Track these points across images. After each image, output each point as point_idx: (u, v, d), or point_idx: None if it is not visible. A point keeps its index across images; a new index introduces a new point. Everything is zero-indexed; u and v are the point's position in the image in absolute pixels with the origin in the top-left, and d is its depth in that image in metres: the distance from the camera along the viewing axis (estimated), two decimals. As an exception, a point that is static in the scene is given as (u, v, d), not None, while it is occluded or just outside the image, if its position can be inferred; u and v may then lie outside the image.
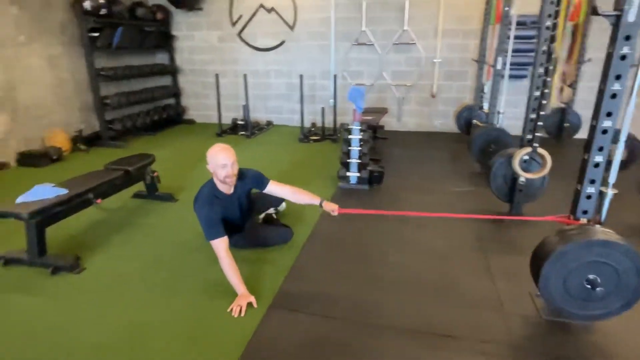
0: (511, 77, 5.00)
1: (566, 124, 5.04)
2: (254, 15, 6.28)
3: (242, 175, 2.44)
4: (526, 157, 2.86)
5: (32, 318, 2.06)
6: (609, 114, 1.71)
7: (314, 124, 6.33)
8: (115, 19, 5.41)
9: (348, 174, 3.80)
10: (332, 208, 2.41)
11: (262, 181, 2.52)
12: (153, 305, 2.15)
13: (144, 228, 3.06)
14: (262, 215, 3.04)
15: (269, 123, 6.66)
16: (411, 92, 6.08)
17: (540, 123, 2.63)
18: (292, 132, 6.11)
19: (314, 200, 2.46)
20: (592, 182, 1.82)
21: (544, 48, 2.56)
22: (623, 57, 1.63)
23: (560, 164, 3.73)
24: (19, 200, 2.44)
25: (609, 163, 1.81)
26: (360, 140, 3.72)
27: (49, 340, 1.90)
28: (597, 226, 1.82)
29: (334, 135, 5.74)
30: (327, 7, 5.86)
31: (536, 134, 2.68)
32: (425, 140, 5.71)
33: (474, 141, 4.06)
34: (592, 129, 1.77)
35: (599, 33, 4.85)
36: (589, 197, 1.85)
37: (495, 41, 4.37)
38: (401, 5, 5.62)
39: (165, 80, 6.85)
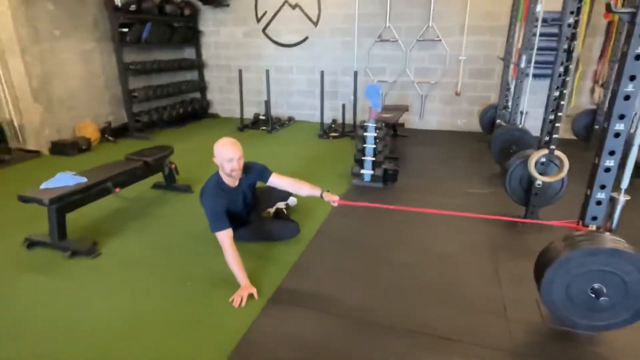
0: (537, 76, 4.83)
1: (596, 127, 4.80)
2: (278, 11, 6.33)
3: (246, 168, 2.48)
4: (543, 160, 2.76)
5: (47, 297, 2.19)
6: (621, 117, 1.63)
7: (334, 121, 6.33)
8: (144, 15, 5.60)
9: (362, 171, 3.79)
10: (332, 199, 2.43)
11: (265, 173, 2.57)
12: (159, 291, 2.24)
13: (160, 217, 3.17)
14: (272, 209, 3.09)
15: (290, 119, 6.72)
16: (435, 89, 5.96)
17: (558, 124, 2.53)
18: (312, 128, 6.13)
19: (315, 191, 2.48)
20: (603, 187, 1.74)
21: (565, 46, 2.45)
22: (638, 57, 1.54)
23: (585, 169, 3.57)
24: (43, 186, 2.59)
25: (622, 167, 1.72)
26: (376, 137, 3.69)
27: (59, 318, 2.02)
28: (607, 234, 1.74)
29: (353, 132, 5.71)
30: (351, 3, 5.83)
31: (554, 135, 2.57)
32: (447, 140, 5.59)
33: (494, 141, 3.95)
34: (604, 131, 1.69)
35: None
36: (599, 203, 1.77)
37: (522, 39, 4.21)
38: (427, 1, 5.51)
39: (192, 75, 7.03)
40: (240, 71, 6.11)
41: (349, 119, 5.91)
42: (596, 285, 1.68)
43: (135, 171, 3.14)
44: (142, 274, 2.42)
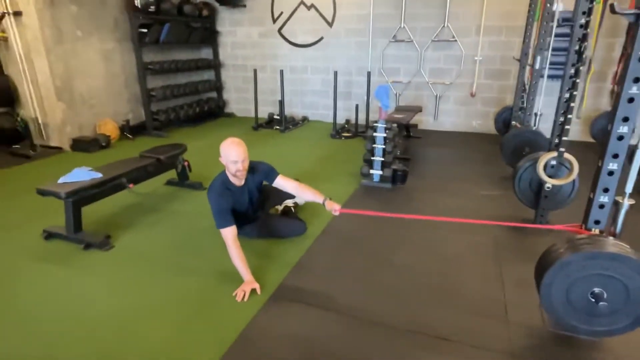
0: (553, 77, 4.73)
1: (616, 129, 4.67)
2: (294, 11, 6.39)
3: (253, 168, 2.53)
4: (554, 163, 2.72)
5: (60, 286, 2.30)
6: (625, 119, 1.60)
7: (348, 121, 6.35)
8: (163, 16, 5.74)
9: (371, 171, 3.80)
10: (333, 207, 2.40)
11: (271, 174, 2.60)
12: (166, 284, 2.32)
13: (171, 213, 3.26)
14: (281, 207, 3.14)
15: (304, 118, 6.77)
16: (449, 90, 5.91)
17: (568, 127, 2.49)
18: (325, 128, 6.17)
19: (318, 198, 2.48)
20: (606, 190, 1.72)
21: (576, 47, 2.41)
22: (643, 59, 1.52)
23: None
24: (60, 180, 2.71)
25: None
26: (385, 138, 3.70)
27: (70, 306, 2.12)
28: (610, 238, 1.71)
29: (366, 132, 5.71)
30: (365, 4, 5.84)
31: (563, 138, 2.53)
32: (461, 141, 5.54)
33: (506, 143, 3.90)
34: (607, 134, 1.66)
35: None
36: (601, 206, 1.75)
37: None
38: (443, 1, 5.47)
39: (209, 75, 7.16)
40: (255, 71, 6.20)
41: (362, 120, 5.91)
42: (596, 290, 1.65)
43: (149, 168, 3.24)
44: (151, 266, 2.50)
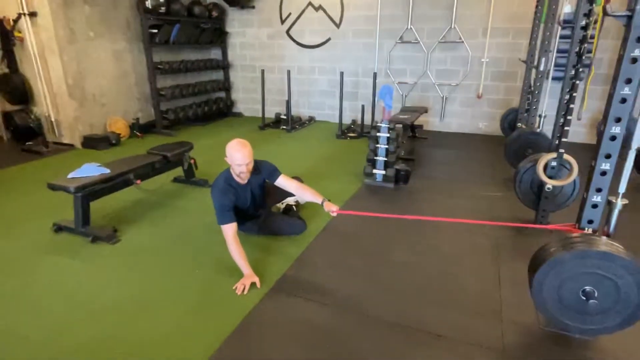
0: (559, 79, 4.70)
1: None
2: (302, 12, 6.45)
3: (256, 167, 2.59)
4: (554, 164, 2.73)
5: (68, 277, 2.39)
6: (617, 120, 1.62)
7: (354, 121, 6.39)
8: (173, 17, 5.85)
9: (374, 171, 3.84)
10: (331, 208, 2.44)
11: (274, 174, 2.66)
12: (169, 276, 2.39)
13: (177, 209, 3.35)
14: (282, 205, 3.19)
15: (311, 118, 6.82)
16: (456, 92, 5.91)
17: (567, 128, 2.50)
18: (331, 128, 6.22)
19: (317, 198, 2.52)
20: (599, 190, 1.73)
21: (576, 49, 2.42)
22: (634, 60, 1.53)
23: None
24: (70, 176, 2.80)
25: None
26: (388, 138, 3.73)
27: (77, 295, 2.21)
28: (603, 237, 1.73)
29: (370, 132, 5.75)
30: (373, 5, 5.87)
31: (563, 139, 2.54)
32: (467, 142, 5.54)
33: (510, 144, 3.90)
34: (600, 134, 1.68)
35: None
36: (594, 206, 1.76)
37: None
38: (450, 3, 5.48)
39: (217, 75, 7.26)
40: (262, 71, 6.28)
41: (368, 120, 5.95)
42: (587, 288, 1.67)
43: (156, 165, 3.33)
44: (156, 260, 2.58)
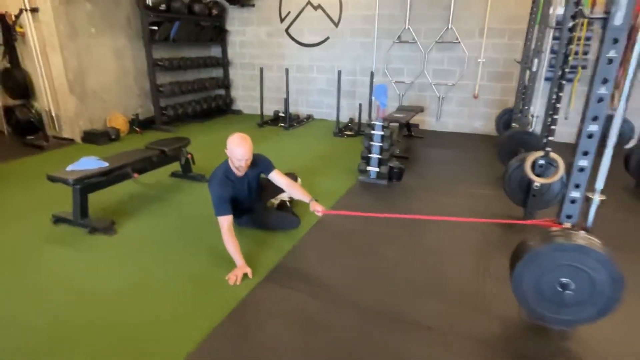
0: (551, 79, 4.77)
1: (616, 133, 4.70)
2: (301, 11, 6.52)
3: (253, 160, 2.65)
4: (542, 162, 2.79)
5: (66, 266, 2.47)
6: (594, 118, 1.69)
7: (351, 120, 6.45)
8: (173, 14, 5.92)
9: (368, 168, 3.91)
10: (316, 208, 2.52)
11: (269, 168, 2.74)
12: (165, 267, 2.46)
13: (173, 203, 3.42)
14: (277, 201, 3.26)
15: (309, 117, 6.89)
16: (452, 91, 5.97)
17: (554, 127, 2.57)
18: (329, 126, 6.28)
19: (305, 197, 2.61)
20: (577, 186, 1.80)
21: (563, 50, 2.48)
22: (610, 61, 1.60)
23: (597, 173, 3.53)
24: (69, 168, 2.87)
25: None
26: (382, 136, 3.80)
27: (75, 283, 2.28)
28: (581, 232, 1.80)
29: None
30: (371, 5, 5.93)
31: (550, 137, 2.61)
32: (462, 142, 5.60)
33: (502, 144, 3.97)
34: (578, 132, 1.75)
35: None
36: (573, 201, 1.83)
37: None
38: (447, 3, 5.54)
39: (217, 72, 7.33)
40: (261, 69, 6.34)
41: (366, 119, 6.01)
42: (564, 280, 1.74)
43: (153, 159, 3.39)
44: (152, 251, 2.65)
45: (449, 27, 5.63)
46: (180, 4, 6.00)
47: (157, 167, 3.53)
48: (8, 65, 4.98)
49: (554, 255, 1.72)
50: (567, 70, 2.43)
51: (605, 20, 1.56)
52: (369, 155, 3.87)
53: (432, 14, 5.70)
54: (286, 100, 6.17)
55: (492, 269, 2.47)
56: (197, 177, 3.89)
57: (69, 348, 1.82)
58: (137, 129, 5.71)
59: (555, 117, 2.52)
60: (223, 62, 7.21)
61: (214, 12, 6.70)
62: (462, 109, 6.02)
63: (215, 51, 7.29)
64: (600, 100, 1.65)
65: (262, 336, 1.92)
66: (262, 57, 7.04)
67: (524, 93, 4.75)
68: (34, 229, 2.90)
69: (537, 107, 3.99)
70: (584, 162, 1.75)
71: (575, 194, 1.81)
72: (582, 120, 1.73)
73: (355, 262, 2.57)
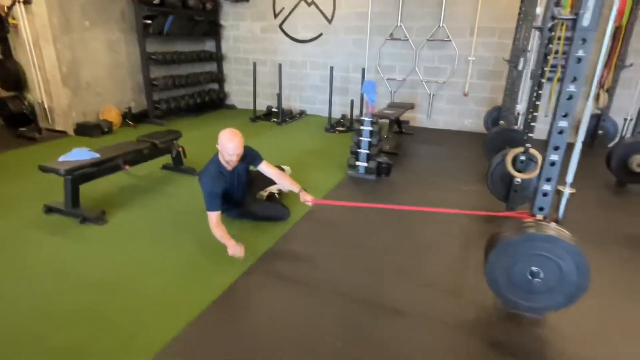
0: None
1: (600, 131, 4.82)
2: (295, 7, 6.56)
3: (242, 153, 2.71)
4: (522, 158, 2.88)
5: (58, 255, 2.52)
6: (565, 115, 1.77)
7: (344, 116, 6.52)
8: (167, 8, 5.94)
9: (357, 163, 3.98)
10: (306, 198, 2.61)
11: (257, 159, 2.81)
12: (154, 255, 2.53)
13: (164, 194, 3.47)
14: (266, 193, 3.33)
15: (302, 112, 6.95)
16: (443, 89, 6.06)
17: (533, 124, 2.65)
18: (321, 122, 6.35)
19: (295, 187, 2.69)
20: (549, 180, 1.89)
21: (544, 50, 2.57)
22: (579, 60, 1.68)
23: (583, 172, 3.67)
24: (60, 159, 2.92)
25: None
26: (371, 132, 3.87)
27: (65, 270, 2.34)
28: (552, 223, 1.89)
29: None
30: (364, 2, 5.99)
31: (530, 134, 2.69)
32: (452, 139, 5.69)
33: (488, 141, 4.05)
34: (550, 128, 1.83)
35: (644, 37, 4.59)
36: (545, 194, 1.92)
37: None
38: (438, 1, 5.61)
39: (211, 67, 7.35)
40: (254, 64, 6.38)
41: (358, 115, 6.08)
42: (534, 269, 1.83)
43: (144, 151, 3.45)
44: (142, 239, 2.72)
45: (440, 25, 5.71)
46: (175, -2, 6.02)
47: (148, 160, 3.58)
48: (1, 56, 4.99)
49: (524, 245, 1.81)
50: (546, 69, 2.51)
51: (575, 22, 1.64)
52: (358, 150, 3.94)
53: (424, 12, 5.77)
54: (279, 96, 6.22)
55: (471, 260, 2.56)
56: (188, 170, 3.94)
57: (53, 331, 1.88)
58: (131, 122, 5.74)
59: (535, 114, 2.60)
60: (217, 57, 7.24)
61: (208, 6, 6.73)
62: (452, 106, 6.11)
63: (209, 45, 7.32)
64: (570, 97, 1.73)
65: (246, 322, 1.99)
66: (256, 52, 7.08)
67: (512, 91, 4.85)
68: (26, 218, 2.95)
69: (523, 105, 4.08)
70: (554, 157, 1.83)
71: (546, 187, 1.89)
72: (553, 117, 1.81)
73: (341, 251, 2.66)
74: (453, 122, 6.17)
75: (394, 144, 5.17)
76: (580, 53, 1.66)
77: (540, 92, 2.54)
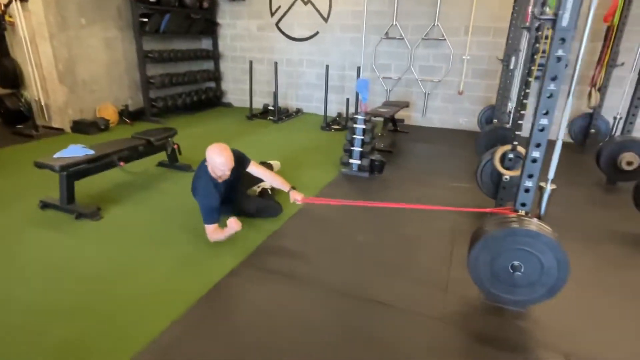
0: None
1: (592, 130, 4.86)
2: (291, 6, 6.59)
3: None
4: (511, 156, 2.93)
5: (53, 250, 2.57)
6: (546, 113, 1.82)
7: (339, 114, 6.56)
8: (164, 6, 5.97)
9: (350, 160, 4.02)
10: (296, 197, 2.65)
11: (244, 162, 2.83)
12: (147, 251, 2.57)
13: (159, 191, 3.52)
14: (259, 189, 3.37)
15: (298, 110, 6.99)
16: (438, 88, 6.10)
17: (521, 122, 2.70)
18: (317, 120, 6.39)
19: (285, 186, 2.72)
20: (530, 176, 1.93)
21: (532, 50, 2.61)
22: (558, 59, 1.72)
23: (575, 170, 3.71)
24: (56, 155, 2.96)
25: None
26: (364, 129, 3.92)
27: (61, 264, 2.39)
28: (534, 219, 1.93)
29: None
30: (360, 0, 6.02)
31: (518, 132, 2.74)
32: (446, 137, 5.73)
33: (480, 139, 4.10)
34: (531, 126, 1.88)
35: (635, 36, 4.63)
36: (527, 190, 1.96)
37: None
38: (434, 0, 5.65)
39: (208, 65, 7.39)
40: (250, 62, 6.42)
41: (354, 113, 6.12)
42: (515, 263, 1.88)
43: (139, 148, 3.49)
44: (137, 235, 2.76)
45: (435, 24, 5.75)
46: (171, -3, 6.05)
47: (143, 157, 3.62)
48: (-3, 54, 5.03)
49: (506, 239, 1.86)
50: (534, 68, 2.55)
51: (554, 22, 1.69)
52: (351, 148, 3.98)
53: (419, 11, 5.81)
54: (275, 94, 6.26)
55: (458, 255, 2.60)
56: (183, 167, 3.98)
57: (48, 325, 1.92)
58: (127, 120, 5.78)
59: (523, 112, 2.65)
60: (214, 55, 7.27)
61: (205, 4, 6.76)
62: (447, 105, 6.16)
63: (206, 44, 7.35)
64: (551, 96, 1.78)
65: (235, 315, 2.04)
66: (252, 50, 7.11)
67: (504, 90, 4.90)
68: (21, 213, 3.00)
69: (514, 104, 4.12)
70: (536, 154, 1.88)
71: (528, 184, 1.94)
72: (534, 115, 1.85)
73: (332, 247, 2.70)
74: (448, 120, 6.22)
75: (389, 142, 5.22)
76: (559, 52, 1.70)
77: (528, 90, 2.58)
